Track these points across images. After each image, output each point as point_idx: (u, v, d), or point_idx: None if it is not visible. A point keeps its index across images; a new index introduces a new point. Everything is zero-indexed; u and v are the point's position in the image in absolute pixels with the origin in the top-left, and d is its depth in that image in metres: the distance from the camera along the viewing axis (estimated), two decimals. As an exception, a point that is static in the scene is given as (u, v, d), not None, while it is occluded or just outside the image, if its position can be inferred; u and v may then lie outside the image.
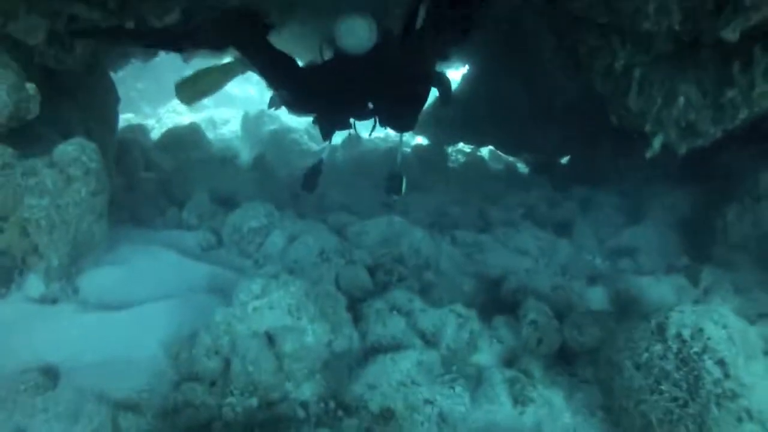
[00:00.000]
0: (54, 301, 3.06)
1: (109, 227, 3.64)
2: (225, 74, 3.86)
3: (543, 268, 4.44)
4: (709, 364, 2.25)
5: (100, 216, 3.45)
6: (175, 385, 2.53)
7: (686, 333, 2.34)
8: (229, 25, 3.57)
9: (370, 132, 4.24)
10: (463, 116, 8.38)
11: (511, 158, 10.08)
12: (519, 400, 2.55)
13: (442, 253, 4.21)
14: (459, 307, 2.90)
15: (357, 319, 2.88)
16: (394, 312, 2.91)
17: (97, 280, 3.25)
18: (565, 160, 8.65)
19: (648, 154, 4.16)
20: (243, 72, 3.94)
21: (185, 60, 8.90)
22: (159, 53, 7.88)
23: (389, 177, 4.16)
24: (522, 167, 9.55)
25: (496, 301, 3.60)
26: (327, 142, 4.50)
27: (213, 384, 2.50)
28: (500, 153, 10.21)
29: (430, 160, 9.11)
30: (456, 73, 9.88)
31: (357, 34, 3.44)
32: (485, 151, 10.95)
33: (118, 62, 6.91)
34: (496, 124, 8.14)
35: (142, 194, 5.40)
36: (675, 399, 2.28)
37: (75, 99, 4.97)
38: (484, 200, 6.71)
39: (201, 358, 2.53)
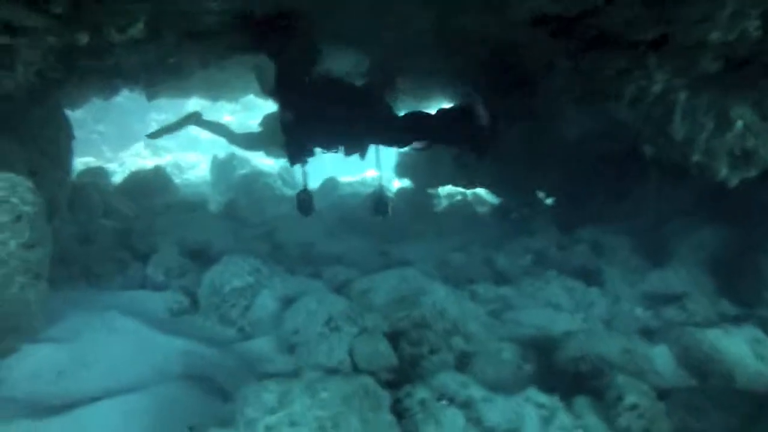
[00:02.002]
0: (-35, 399, 2.21)
1: (52, 290, 2.85)
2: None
3: (584, 325, 3.73)
4: None
5: (38, 276, 2.63)
6: None
7: None
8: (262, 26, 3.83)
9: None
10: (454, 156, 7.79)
11: (496, 201, 9.54)
12: None
13: (467, 312, 3.48)
14: (537, 394, 2.14)
15: (395, 414, 2.09)
16: (444, 402, 2.14)
17: (30, 365, 2.41)
18: (550, 200, 8.13)
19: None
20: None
21: (149, 99, 8.19)
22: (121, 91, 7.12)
23: (375, 198, 4.19)
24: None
25: (551, 372, 2.85)
26: (302, 172, 4.29)
27: None
28: (485, 196, 9.66)
29: (417, 204, 8.52)
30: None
31: None
32: (469, 194, 10.43)
33: (75, 98, 6.07)
34: (491, 164, 7.55)
35: (98, 246, 4.56)
36: None
37: (18, 133, 4.18)
38: (485, 246, 6.07)
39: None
